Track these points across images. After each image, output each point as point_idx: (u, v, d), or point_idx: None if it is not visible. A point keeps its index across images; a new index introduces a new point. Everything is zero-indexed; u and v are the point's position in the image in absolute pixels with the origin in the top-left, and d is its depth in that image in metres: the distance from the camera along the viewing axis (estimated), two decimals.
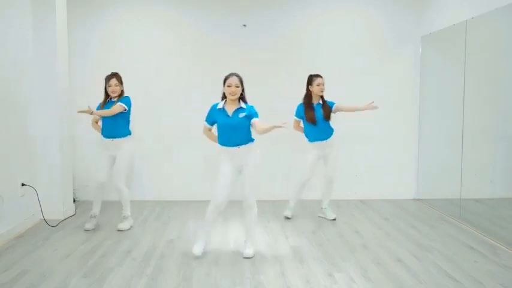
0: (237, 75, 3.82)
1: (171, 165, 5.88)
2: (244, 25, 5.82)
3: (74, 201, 5.46)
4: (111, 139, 4.47)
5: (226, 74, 3.87)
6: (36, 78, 4.84)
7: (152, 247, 4.08)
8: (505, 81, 4.53)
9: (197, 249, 3.83)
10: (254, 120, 3.79)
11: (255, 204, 3.89)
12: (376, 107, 4.60)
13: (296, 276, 3.46)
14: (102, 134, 4.52)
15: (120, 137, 4.48)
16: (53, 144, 4.94)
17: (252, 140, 3.86)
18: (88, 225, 4.57)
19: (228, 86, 3.80)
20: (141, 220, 4.95)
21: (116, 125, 4.45)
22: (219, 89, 5.78)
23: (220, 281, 3.36)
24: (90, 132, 5.73)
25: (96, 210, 4.63)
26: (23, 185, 4.57)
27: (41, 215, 4.77)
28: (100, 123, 4.62)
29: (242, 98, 3.87)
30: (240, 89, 3.80)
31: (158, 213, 5.28)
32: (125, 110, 4.43)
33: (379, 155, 5.97)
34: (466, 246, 4.13)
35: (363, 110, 4.66)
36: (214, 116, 3.88)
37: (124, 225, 4.59)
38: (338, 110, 4.80)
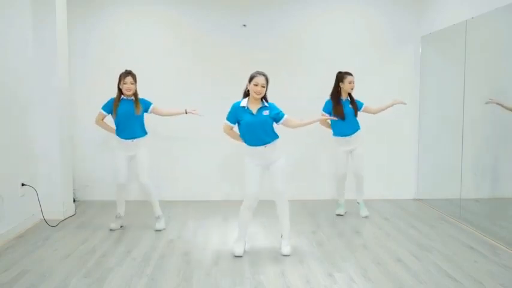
0: (264, 75, 3.84)
1: (171, 165, 5.88)
2: (244, 25, 5.82)
3: (74, 201, 5.46)
4: (131, 139, 4.48)
5: (253, 72, 3.86)
6: (36, 78, 4.84)
7: (152, 247, 4.09)
8: (505, 81, 4.53)
9: (238, 250, 3.88)
10: (286, 118, 3.89)
11: (287, 200, 3.94)
12: (404, 103, 5.13)
13: (296, 276, 3.46)
14: (120, 135, 4.49)
15: (140, 136, 4.52)
16: (53, 144, 4.94)
17: (277, 136, 3.91)
18: (113, 225, 4.61)
19: (255, 85, 3.80)
20: (141, 220, 4.95)
21: (137, 126, 4.49)
22: (219, 89, 5.84)
23: (220, 281, 3.36)
24: (89, 132, 5.76)
25: (120, 210, 4.66)
26: (23, 185, 4.57)
27: (41, 215, 4.78)
28: (106, 120, 4.59)
29: (264, 96, 3.90)
30: (265, 89, 3.83)
31: None
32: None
33: (379, 155, 5.97)
34: (466, 246, 4.13)
35: (391, 105, 5.09)
36: (237, 115, 3.87)
37: (160, 225, 4.61)
38: (366, 111, 5.08)
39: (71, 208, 5.20)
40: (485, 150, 4.88)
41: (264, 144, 3.81)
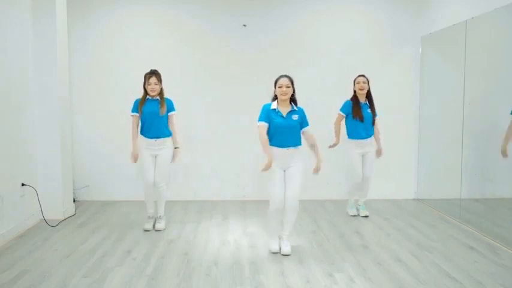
0: (287, 76, 3.87)
1: (170, 165, 5.86)
2: (244, 25, 5.82)
3: (74, 201, 5.46)
4: (155, 139, 4.48)
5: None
6: (36, 78, 4.84)
7: (152, 247, 4.09)
8: (505, 81, 4.53)
9: (273, 247, 3.97)
10: (307, 129, 3.95)
11: (298, 205, 3.95)
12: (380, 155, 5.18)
13: (296, 276, 3.46)
14: (145, 134, 4.49)
15: (164, 136, 4.53)
16: (53, 144, 4.94)
17: (300, 143, 3.93)
18: (147, 226, 4.62)
19: (279, 87, 3.84)
20: (141, 220, 4.94)
21: (161, 126, 4.49)
22: (219, 89, 5.84)
23: (220, 281, 3.36)
24: (89, 132, 5.77)
25: (151, 210, 4.68)
26: (23, 185, 4.57)
27: (41, 215, 4.78)
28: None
29: (293, 99, 3.92)
30: (291, 90, 3.85)
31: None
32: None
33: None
34: (466, 246, 4.13)
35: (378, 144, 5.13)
36: (268, 116, 3.89)
37: (161, 225, 4.63)
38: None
39: (71, 208, 5.20)
40: (485, 150, 4.88)
41: (287, 147, 3.84)
